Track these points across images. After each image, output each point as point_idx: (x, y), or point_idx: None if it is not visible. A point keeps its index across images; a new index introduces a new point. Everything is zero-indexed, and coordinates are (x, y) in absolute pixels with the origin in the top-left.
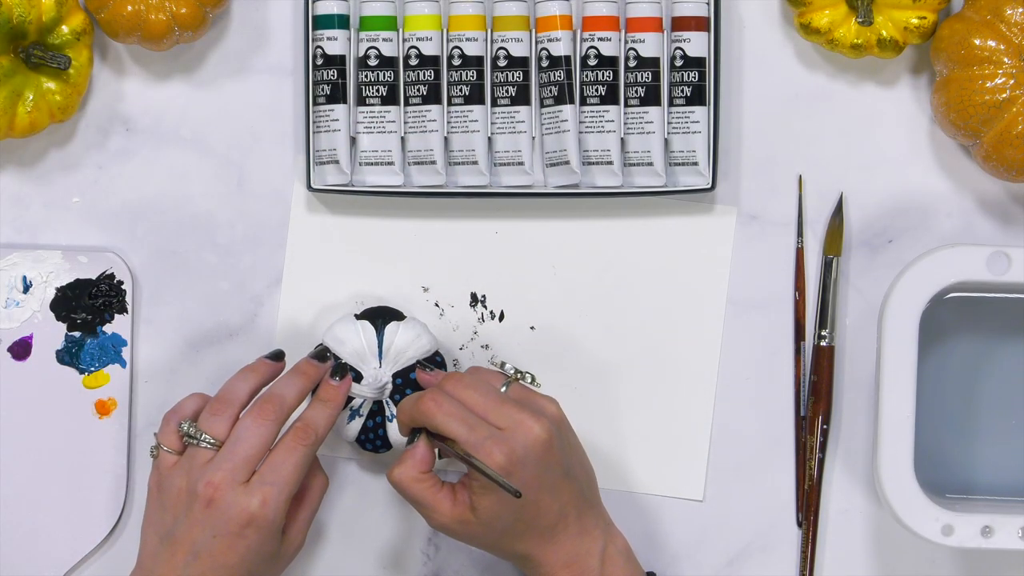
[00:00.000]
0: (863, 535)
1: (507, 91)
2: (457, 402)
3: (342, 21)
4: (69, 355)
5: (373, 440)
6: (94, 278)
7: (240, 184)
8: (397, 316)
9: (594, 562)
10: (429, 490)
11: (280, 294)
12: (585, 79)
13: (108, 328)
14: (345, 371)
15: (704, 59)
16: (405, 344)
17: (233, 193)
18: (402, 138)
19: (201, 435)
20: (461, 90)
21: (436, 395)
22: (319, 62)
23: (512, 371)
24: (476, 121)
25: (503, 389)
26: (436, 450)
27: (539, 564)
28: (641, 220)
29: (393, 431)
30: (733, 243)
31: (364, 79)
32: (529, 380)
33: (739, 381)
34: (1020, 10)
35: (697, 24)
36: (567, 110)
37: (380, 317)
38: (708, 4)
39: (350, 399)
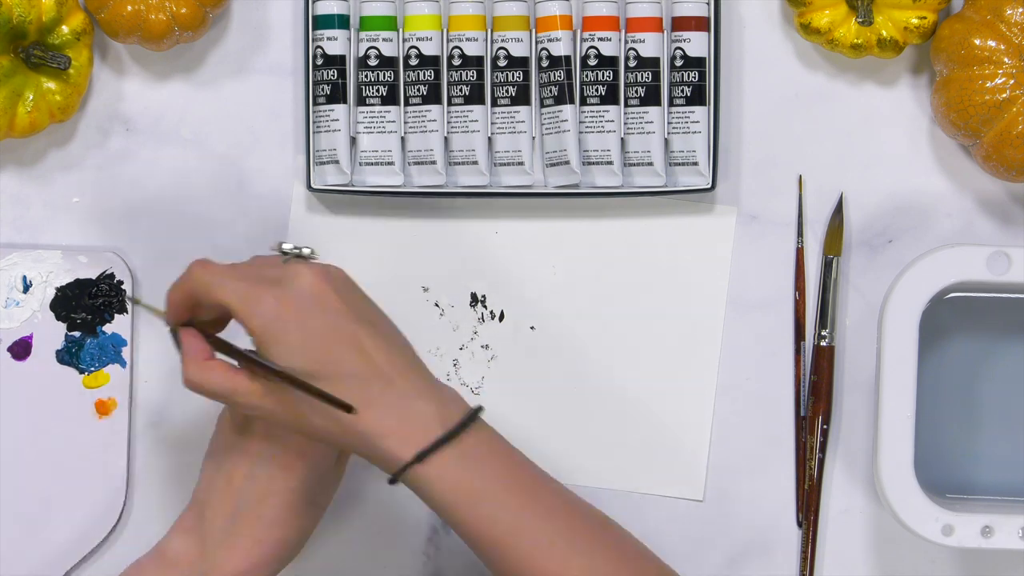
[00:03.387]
0: (863, 535)
1: (507, 91)
2: (228, 265)
3: (342, 21)
4: (69, 355)
5: None
6: (94, 278)
7: (240, 184)
8: None
9: (433, 424)
10: (225, 374)
11: None
12: (585, 79)
13: (108, 328)
14: None
15: (704, 59)
16: None
17: (233, 193)
18: (402, 138)
19: None
20: (461, 90)
21: (203, 260)
22: (319, 62)
23: (291, 247)
24: (476, 121)
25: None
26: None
27: (365, 435)
28: (641, 220)
29: None
30: (733, 243)
31: (364, 79)
32: (308, 253)
33: (739, 381)
34: (1020, 10)
35: (697, 24)
36: (567, 110)
37: None
38: (708, 4)
39: None
